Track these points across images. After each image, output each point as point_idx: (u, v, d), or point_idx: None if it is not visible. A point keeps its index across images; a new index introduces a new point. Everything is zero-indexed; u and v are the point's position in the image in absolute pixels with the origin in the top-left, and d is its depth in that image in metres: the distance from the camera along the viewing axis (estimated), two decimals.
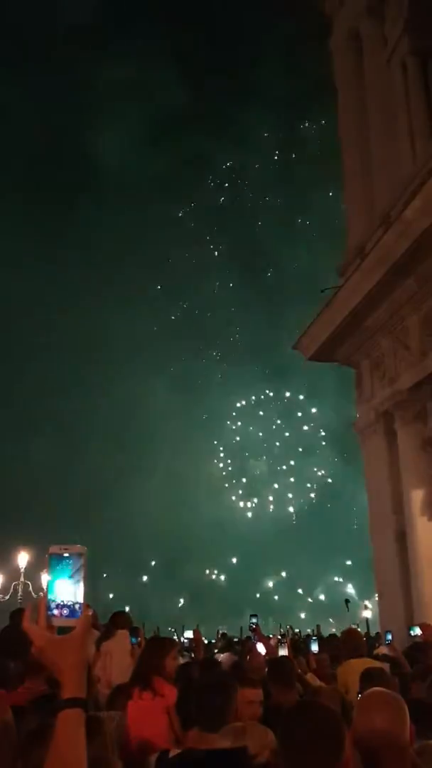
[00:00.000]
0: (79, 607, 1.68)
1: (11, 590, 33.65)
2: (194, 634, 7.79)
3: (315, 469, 78.81)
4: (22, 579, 32.16)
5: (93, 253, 74.51)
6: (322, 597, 75.98)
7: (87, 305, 72.39)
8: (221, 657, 8.65)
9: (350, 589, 70.29)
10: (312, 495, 77.71)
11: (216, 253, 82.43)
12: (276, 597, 76.29)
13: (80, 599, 1.69)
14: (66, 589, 1.68)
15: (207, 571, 79.08)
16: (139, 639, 7.31)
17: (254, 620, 8.55)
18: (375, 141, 17.10)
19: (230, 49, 75.73)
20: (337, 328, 16.71)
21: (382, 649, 9.72)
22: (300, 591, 77.86)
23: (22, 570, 32.27)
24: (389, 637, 9.64)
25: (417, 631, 8.68)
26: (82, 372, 72.82)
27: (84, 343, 72.83)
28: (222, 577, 79.73)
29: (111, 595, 68.40)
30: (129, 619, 8.19)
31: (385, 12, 17.04)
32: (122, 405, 74.17)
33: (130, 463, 73.40)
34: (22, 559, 32.26)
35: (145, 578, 75.08)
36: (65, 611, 1.67)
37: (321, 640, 12.33)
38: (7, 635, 5.36)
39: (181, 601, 74.68)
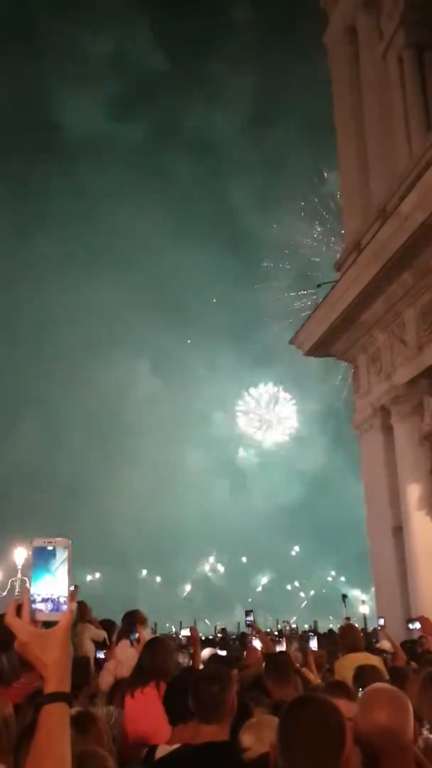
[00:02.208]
0: (64, 601, 1.66)
1: (8, 587, 33.72)
2: (191, 631, 7.74)
3: (305, 460, 76.63)
4: (19, 575, 32.18)
5: (67, 231, 72.31)
6: (314, 592, 75.48)
7: (60, 286, 70.23)
8: (204, 652, 8.63)
9: (344, 583, 70.21)
10: (302, 487, 75.87)
11: (194, 233, 78.52)
12: (269, 592, 75.49)
13: (65, 592, 1.66)
14: (50, 583, 1.66)
15: (196, 566, 78.25)
16: (137, 636, 7.27)
17: (250, 618, 8.53)
18: (371, 134, 17.06)
19: (205, 18, 73.52)
20: (333, 323, 16.69)
21: (385, 644, 9.70)
22: (294, 585, 77.35)
23: (19, 567, 32.29)
24: (381, 622, 9.64)
25: (416, 624, 8.66)
26: (63, 360, 71.11)
27: (62, 330, 71.14)
28: (212, 573, 79.05)
29: (99, 579, 68.13)
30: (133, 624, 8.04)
31: (381, 5, 16.96)
32: (105, 395, 71.91)
33: (115, 455, 71.96)
34: (19, 555, 32.27)
35: (134, 572, 74.43)
36: (49, 605, 1.65)
37: (318, 637, 12.33)
38: (2, 630, 5.32)
39: (180, 594, 74.10)
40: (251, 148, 77.68)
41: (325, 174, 69.88)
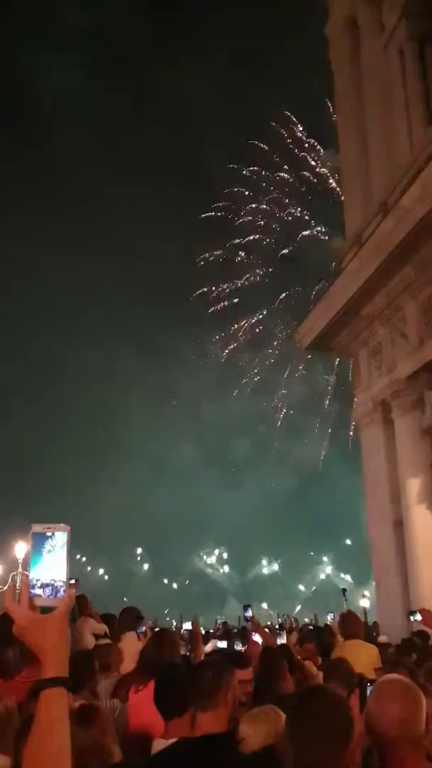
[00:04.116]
0: (62, 586, 1.66)
1: (9, 581, 33.77)
2: (192, 625, 7.75)
3: (300, 452, 74.74)
4: (20, 569, 32.22)
5: (41, 205, 69.50)
6: (314, 585, 74.80)
7: (35, 263, 67.00)
8: (206, 646, 8.68)
9: (342, 576, 69.76)
10: (297, 479, 73.95)
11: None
12: (265, 585, 74.47)
13: (63, 578, 1.67)
14: (49, 568, 1.67)
15: (188, 558, 77.03)
16: (144, 629, 7.31)
17: (249, 612, 8.55)
18: (372, 128, 17.01)
19: None
20: (334, 317, 16.69)
21: (384, 638, 9.74)
22: (292, 578, 76.71)
23: (20, 560, 32.33)
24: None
25: (417, 616, 8.68)
26: (42, 344, 69.17)
27: (40, 312, 69.00)
28: (204, 565, 78.01)
29: (101, 572, 67.55)
30: (137, 615, 8.05)
31: None
32: (89, 379, 69.87)
33: (102, 442, 70.45)
34: (20, 549, 32.32)
35: (124, 562, 73.56)
36: (48, 591, 1.65)
37: (317, 630, 12.36)
38: (3, 623, 5.32)
39: (172, 586, 73.21)
40: (231, 113, 74.96)
41: (303, 136, 69.08)
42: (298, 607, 64.22)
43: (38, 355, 69.53)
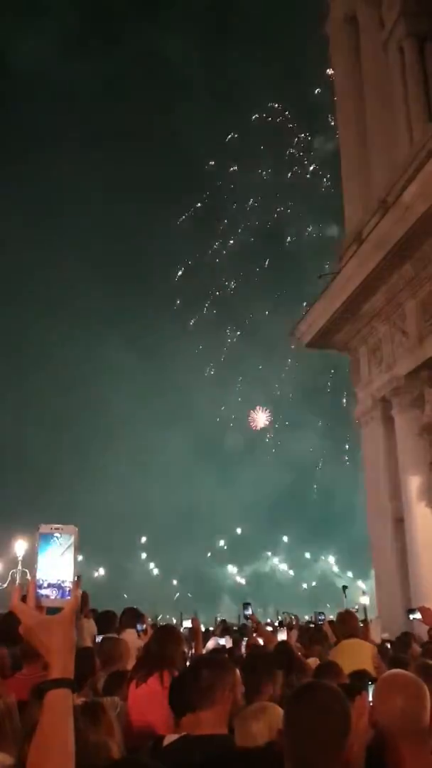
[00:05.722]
0: (69, 587, 1.66)
1: (9, 578, 33.82)
2: (193, 622, 7.73)
3: (296, 446, 74.25)
4: (19, 567, 32.26)
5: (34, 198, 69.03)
6: (314, 582, 74.45)
7: (16, 251, 66.33)
8: (208, 643, 8.68)
9: (338, 572, 69.57)
10: (293, 474, 72.70)
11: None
12: (258, 582, 73.95)
13: (70, 579, 1.67)
14: (56, 569, 1.67)
15: (181, 555, 75.19)
16: (145, 626, 7.30)
17: (248, 611, 8.54)
18: (372, 125, 16.99)
19: None
20: (334, 314, 16.67)
21: (385, 635, 9.74)
22: (290, 574, 76.42)
23: (20, 558, 32.38)
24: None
25: (417, 615, 8.68)
26: (25, 335, 67.97)
27: (22, 301, 67.84)
28: (198, 562, 76.52)
29: (102, 571, 67.30)
30: (140, 615, 8.06)
31: None
32: (75, 371, 69.47)
33: (88, 436, 69.52)
34: (20, 547, 32.38)
35: (122, 560, 72.08)
36: (55, 591, 1.66)
37: (317, 628, 12.35)
38: (4, 622, 5.32)
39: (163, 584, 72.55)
40: (211, 91, 74.78)
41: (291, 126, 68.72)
42: (303, 598, 63.82)
43: (30, 350, 68.57)
